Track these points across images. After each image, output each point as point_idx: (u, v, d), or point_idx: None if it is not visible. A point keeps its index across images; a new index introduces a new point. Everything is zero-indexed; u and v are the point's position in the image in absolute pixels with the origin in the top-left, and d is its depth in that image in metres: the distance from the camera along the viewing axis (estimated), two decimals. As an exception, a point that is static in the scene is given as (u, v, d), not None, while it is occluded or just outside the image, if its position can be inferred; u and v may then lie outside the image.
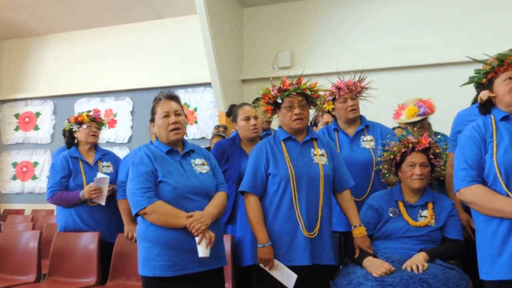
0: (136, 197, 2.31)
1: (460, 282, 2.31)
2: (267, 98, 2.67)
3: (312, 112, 2.89)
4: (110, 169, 3.69)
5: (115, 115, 7.70)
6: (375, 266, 2.37)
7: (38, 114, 8.20)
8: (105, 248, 3.39)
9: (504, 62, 2.11)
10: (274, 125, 3.85)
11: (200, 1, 6.04)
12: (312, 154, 2.63)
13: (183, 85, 7.19)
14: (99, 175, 3.44)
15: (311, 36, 6.87)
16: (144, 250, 2.35)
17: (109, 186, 3.47)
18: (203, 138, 7.10)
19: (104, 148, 3.94)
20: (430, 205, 2.64)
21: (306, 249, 2.47)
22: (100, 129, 3.78)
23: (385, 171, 2.82)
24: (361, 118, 3.18)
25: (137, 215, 2.36)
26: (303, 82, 2.64)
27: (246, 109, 3.20)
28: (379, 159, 2.89)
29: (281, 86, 2.62)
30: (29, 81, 8.33)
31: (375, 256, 2.50)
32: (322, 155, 2.64)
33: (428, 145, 2.67)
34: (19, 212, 7.34)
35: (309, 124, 2.75)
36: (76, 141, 3.72)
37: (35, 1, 7.37)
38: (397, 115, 3.55)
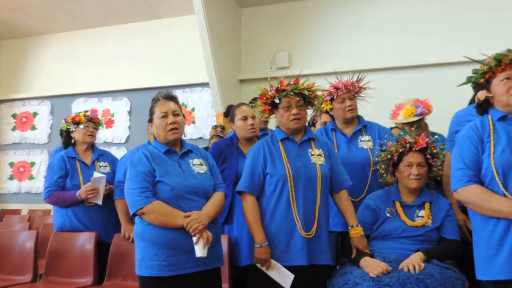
0: (134, 197, 2.31)
1: (457, 282, 2.31)
2: (264, 98, 2.67)
3: (309, 112, 2.88)
4: (107, 169, 3.69)
5: (112, 115, 7.69)
6: (372, 266, 2.36)
7: (35, 114, 8.18)
8: (101, 248, 3.38)
9: (501, 62, 2.11)
10: (272, 125, 3.86)
11: (198, 1, 6.03)
12: (309, 154, 2.62)
13: (180, 85, 7.18)
14: (96, 174, 3.43)
15: (308, 37, 6.87)
16: (141, 250, 2.35)
17: (106, 185, 3.46)
18: (200, 138, 7.09)
19: (101, 148, 3.93)
20: (427, 205, 2.64)
21: (303, 249, 2.46)
22: (97, 129, 3.77)
23: (383, 171, 2.83)
24: (359, 118, 3.18)
25: (134, 215, 2.36)
26: (300, 82, 2.64)
27: (244, 109, 3.20)
28: (376, 159, 2.89)
29: (279, 86, 2.62)
30: (27, 81, 8.31)
31: (372, 256, 2.50)
32: (320, 155, 2.64)
33: (425, 145, 2.68)
34: (16, 212, 7.32)
35: (306, 124, 2.75)
36: (73, 141, 3.71)
37: (33, 1, 7.35)
38: (395, 115, 3.55)
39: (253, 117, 3.14)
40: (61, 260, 3.42)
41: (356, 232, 2.57)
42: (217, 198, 2.48)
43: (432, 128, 3.64)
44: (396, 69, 6.29)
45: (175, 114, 2.49)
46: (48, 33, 8.23)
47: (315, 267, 2.50)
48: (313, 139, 2.68)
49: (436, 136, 3.32)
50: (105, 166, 3.70)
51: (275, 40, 7.02)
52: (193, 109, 7.22)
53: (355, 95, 3.12)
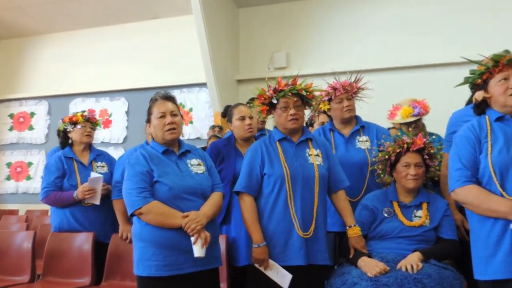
0: (132, 197, 2.32)
1: (455, 282, 2.32)
2: (262, 98, 2.67)
3: (307, 112, 2.89)
4: (105, 169, 3.68)
5: (110, 115, 7.69)
6: (370, 266, 2.37)
7: (32, 114, 8.17)
8: (99, 248, 3.38)
9: (499, 63, 2.11)
10: (269, 125, 3.86)
11: (195, 1, 6.04)
12: (307, 154, 2.63)
13: (178, 85, 7.18)
14: (93, 174, 3.42)
15: (306, 37, 6.88)
16: (139, 250, 2.35)
17: (104, 186, 3.46)
18: (198, 138, 7.09)
19: (99, 148, 3.92)
20: (424, 205, 2.65)
21: (301, 249, 2.47)
22: (94, 129, 3.76)
23: (380, 171, 2.83)
24: (357, 118, 3.19)
25: (132, 215, 2.36)
26: (298, 82, 2.65)
27: (241, 109, 3.21)
28: (374, 159, 2.89)
29: (277, 86, 2.62)
30: (24, 81, 8.30)
31: (369, 256, 2.50)
32: (317, 155, 2.64)
33: (422, 146, 2.68)
34: (13, 212, 7.29)
35: (304, 125, 2.75)
36: (70, 141, 3.70)
37: (31, 1, 7.35)
38: (392, 116, 3.56)
39: (251, 117, 3.15)
40: (59, 260, 3.41)
41: (354, 232, 2.58)
42: (215, 198, 2.49)
43: (429, 128, 3.65)
44: (393, 69, 6.31)
45: (173, 115, 2.50)
46: (45, 33, 8.22)
47: (313, 267, 2.50)
48: (310, 140, 2.69)
49: (434, 137, 3.32)
50: (103, 166, 3.69)
51: (273, 40, 7.03)
52: (190, 109, 7.22)
53: (353, 95, 3.12)
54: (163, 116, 2.48)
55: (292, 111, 2.60)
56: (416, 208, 2.65)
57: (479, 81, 2.20)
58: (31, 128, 8.14)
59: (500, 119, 2.14)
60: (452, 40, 6.03)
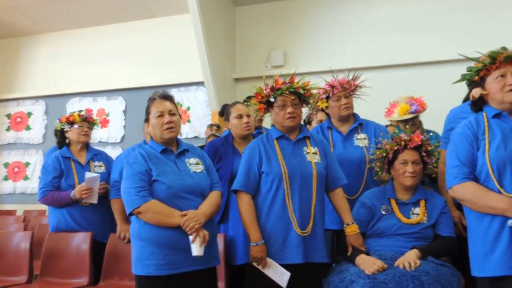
0: (130, 196, 2.32)
1: (452, 278, 2.32)
2: (259, 97, 2.67)
3: (305, 110, 2.89)
4: (102, 169, 3.67)
5: (107, 115, 7.68)
6: (368, 263, 2.37)
7: (29, 114, 8.16)
8: (97, 248, 3.37)
9: (496, 59, 2.11)
10: (266, 123, 3.86)
11: (192, 0, 6.03)
12: (305, 152, 2.63)
13: (175, 84, 7.18)
14: (89, 174, 3.41)
15: (303, 35, 6.88)
16: (137, 249, 2.35)
17: (102, 184, 3.46)
18: (196, 137, 7.09)
19: (96, 147, 3.92)
20: (422, 203, 2.65)
21: (299, 247, 2.47)
22: (91, 129, 3.76)
23: (378, 169, 2.83)
24: (355, 116, 3.18)
25: (131, 214, 2.36)
26: (295, 80, 2.65)
27: (239, 107, 3.21)
28: (371, 157, 2.89)
29: (274, 85, 2.62)
30: (21, 80, 8.29)
31: (367, 253, 2.50)
32: (315, 153, 2.64)
33: (420, 143, 2.68)
34: (11, 212, 7.29)
35: (302, 123, 2.75)
36: (67, 141, 3.69)
37: (28, 1, 7.33)
38: (389, 113, 3.56)
39: (248, 115, 3.14)
40: (57, 260, 3.40)
41: (352, 230, 2.58)
42: (213, 197, 2.49)
43: (426, 125, 3.66)
44: (391, 67, 6.31)
45: (171, 114, 2.50)
46: (42, 33, 8.21)
47: (311, 265, 2.50)
48: (308, 138, 2.69)
49: (431, 134, 3.32)
50: (100, 166, 3.69)
51: (270, 38, 7.03)
52: (188, 108, 7.21)
53: (351, 93, 3.12)
54: (161, 115, 2.48)
55: (289, 109, 2.60)
56: (413, 205, 2.65)
57: (476, 78, 2.20)
58: (28, 128, 8.12)
59: (497, 116, 2.14)
60: (448, 37, 6.03)
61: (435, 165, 2.79)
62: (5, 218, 6.26)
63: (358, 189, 2.96)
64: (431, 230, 2.60)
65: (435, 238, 2.59)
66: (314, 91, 2.84)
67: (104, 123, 7.62)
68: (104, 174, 3.61)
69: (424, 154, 2.70)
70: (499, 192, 2.01)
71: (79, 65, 7.85)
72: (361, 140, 3.08)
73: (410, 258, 2.35)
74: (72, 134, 3.64)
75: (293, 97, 2.61)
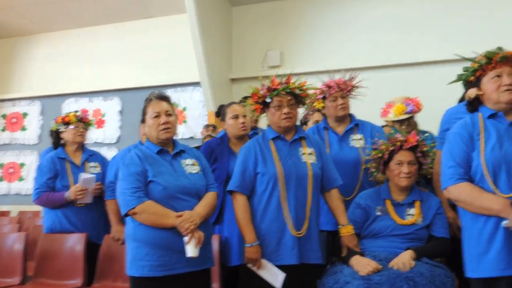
0: (126, 197, 2.31)
1: (446, 279, 2.32)
2: (256, 97, 2.67)
3: (301, 111, 2.88)
4: (98, 170, 3.66)
5: (103, 115, 7.65)
6: (362, 264, 2.37)
7: (25, 114, 8.12)
8: (91, 249, 3.36)
9: (492, 60, 2.11)
10: (262, 124, 3.85)
11: (189, 0, 6.02)
12: (300, 153, 2.63)
13: (172, 84, 7.14)
14: (85, 175, 3.40)
15: (300, 35, 6.87)
16: (132, 250, 2.35)
17: (97, 185, 3.45)
18: (192, 138, 7.06)
19: (92, 148, 3.91)
20: (417, 203, 2.64)
21: (294, 248, 2.47)
22: (87, 130, 3.75)
23: (373, 170, 2.83)
24: (351, 116, 3.18)
25: (126, 215, 2.35)
26: (292, 81, 2.64)
27: (235, 107, 3.20)
28: (367, 157, 2.89)
29: (270, 85, 2.62)
30: (16, 81, 8.25)
31: (362, 254, 2.50)
32: (311, 154, 2.64)
33: (415, 143, 2.68)
34: (5, 213, 7.25)
35: (298, 123, 2.75)
36: (62, 141, 3.67)
37: (24, 1, 7.30)
38: (385, 113, 3.56)
39: (244, 116, 3.14)
40: (51, 261, 3.39)
41: (347, 230, 2.58)
42: (209, 198, 2.48)
43: (422, 126, 3.66)
44: (387, 67, 6.31)
45: (168, 114, 2.50)
46: (38, 33, 8.18)
47: (306, 266, 2.50)
48: (304, 138, 2.68)
49: (426, 134, 3.33)
50: (95, 167, 3.68)
51: (267, 38, 7.02)
52: (184, 109, 7.19)
53: (347, 93, 3.12)
54: (157, 116, 2.47)
55: (285, 110, 2.60)
56: (409, 206, 2.65)
57: (472, 78, 2.21)
58: (23, 128, 8.08)
59: (493, 116, 2.14)
60: (445, 38, 6.03)
61: (430, 165, 2.79)
62: (-1, 219, 6.23)
63: (354, 190, 2.96)
64: (426, 231, 2.60)
65: (429, 239, 2.59)
66: (311, 92, 2.84)
67: (100, 123, 7.59)
68: (99, 175, 3.59)
69: (419, 154, 2.70)
70: (494, 193, 2.01)
71: (75, 66, 7.82)
72: (357, 140, 3.08)
73: (404, 259, 2.35)
74: (68, 134, 3.62)
75: (289, 98, 2.61)
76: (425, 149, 2.71)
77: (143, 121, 2.58)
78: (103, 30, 7.78)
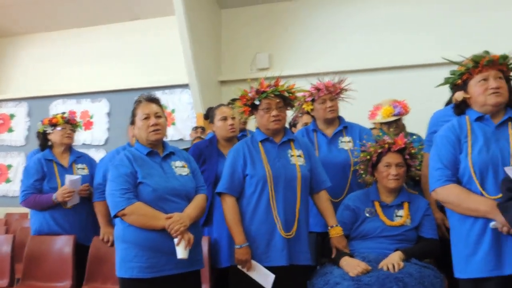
0: (115, 198, 2.31)
1: (435, 280, 2.33)
2: (244, 99, 2.67)
3: (290, 113, 2.90)
4: (85, 171, 3.63)
5: (91, 117, 7.60)
6: (352, 265, 2.38)
7: (12, 116, 8.04)
8: (80, 251, 3.33)
9: (479, 63, 2.14)
10: (251, 126, 3.86)
11: (178, 2, 6.01)
12: (289, 155, 2.64)
13: (160, 86, 7.12)
14: (71, 176, 3.38)
15: (289, 38, 6.89)
16: (121, 251, 2.35)
17: (85, 186, 3.43)
18: (181, 140, 7.04)
19: (80, 150, 3.88)
20: (406, 205, 2.66)
21: (283, 249, 2.48)
22: (74, 131, 3.72)
23: (362, 172, 2.84)
24: (340, 119, 3.19)
25: (116, 216, 2.34)
26: (280, 83, 2.65)
27: (223, 109, 3.21)
28: (356, 159, 2.91)
29: (259, 88, 2.63)
30: (3, 82, 8.17)
31: (351, 256, 2.51)
32: (299, 156, 2.65)
33: (403, 146, 2.70)
34: (-8, 216, 7.18)
35: (287, 125, 2.76)
36: (50, 143, 3.65)
37: (9, 2, 7.24)
38: (373, 115, 3.58)
39: (233, 118, 3.15)
40: (39, 264, 3.36)
41: (336, 232, 2.59)
42: (199, 200, 2.49)
43: (410, 128, 3.68)
44: (375, 70, 6.34)
45: (157, 116, 2.50)
46: (25, 34, 8.10)
47: (295, 267, 2.51)
48: (292, 140, 2.69)
49: (414, 137, 3.36)
50: (83, 169, 3.65)
51: (256, 41, 7.03)
52: (173, 111, 7.17)
53: (336, 96, 3.13)
54: (147, 117, 2.47)
55: (274, 112, 2.61)
56: (397, 207, 2.66)
57: (459, 81, 2.23)
58: (10, 130, 8.00)
59: (479, 119, 2.17)
60: (433, 41, 6.07)
61: (418, 167, 2.81)
62: (-14, 221, 6.16)
63: (343, 191, 2.97)
64: (415, 232, 2.62)
65: (418, 240, 2.61)
66: (300, 94, 2.85)
67: (88, 125, 7.54)
68: (87, 177, 3.57)
69: (407, 157, 2.72)
70: (482, 194, 2.04)
71: (63, 67, 7.76)
72: (346, 143, 3.09)
73: (393, 260, 2.36)
74: (55, 136, 3.59)
75: (278, 100, 2.62)
76: (413, 151, 2.73)
77: (132, 123, 2.57)
78: (91, 31, 7.73)
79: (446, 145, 2.16)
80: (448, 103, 2.94)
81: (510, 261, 1.97)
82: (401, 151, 2.71)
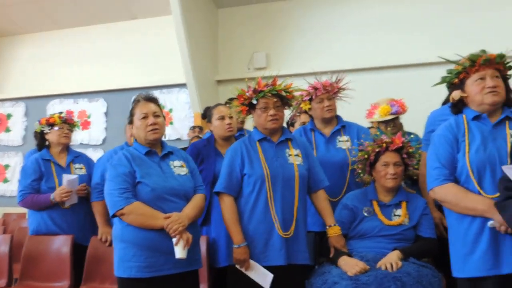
0: (114, 198, 2.31)
1: (433, 279, 2.33)
2: (242, 99, 2.67)
3: (287, 112, 2.90)
4: (83, 171, 3.63)
5: (88, 117, 7.59)
6: (350, 265, 2.38)
7: (9, 115, 8.03)
8: (78, 251, 3.33)
9: (475, 62, 2.14)
10: (249, 125, 3.86)
11: (174, 2, 6.00)
12: (287, 155, 2.64)
13: (158, 86, 7.12)
14: (68, 176, 3.37)
15: (286, 37, 6.89)
16: (120, 251, 2.34)
17: (83, 186, 3.43)
18: (178, 139, 7.04)
19: (77, 150, 3.88)
20: (403, 204, 2.66)
21: (281, 249, 2.48)
22: (72, 131, 3.72)
23: (360, 171, 2.84)
24: (338, 118, 3.20)
25: (114, 216, 2.34)
26: (278, 83, 2.65)
27: (221, 109, 3.21)
28: (353, 159, 2.91)
29: (256, 87, 2.63)
30: (0, 82, 8.16)
31: (350, 255, 2.51)
32: (297, 155, 2.65)
33: (401, 145, 2.70)
34: (-10, 216, 7.17)
35: (285, 125, 2.76)
36: (47, 143, 3.64)
37: (7, 1, 7.22)
38: (370, 114, 3.58)
39: (230, 117, 3.15)
40: (37, 264, 3.36)
41: (334, 231, 2.59)
42: (197, 200, 2.48)
43: (407, 128, 3.69)
44: (372, 69, 6.35)
45: (156, 115, 2.49)
46: (23, 33, 8.10)
47: (294, 267, 2.51)
48: (290, 140, 2.69)
49: (412, 136, 3.36)
50: (81, 168, 3.65)
51: (253, 40, 7.03)
52: (170, 110, 7.17)
53: (334, 95, 3.14)
54: (145, 117, 2.47)
55: (271, 112, 2.61)
56: (395, 207, 2.67)
57: (456, 80, 2.24)
58: (7, 130, 7.99)
59: (477, 118, 2.17)
60: (429, 40, 6.09)
61: (416, 167, 2.81)
62: (-17, 221, 6.15)
63: (341, 191, 2.97)
64: (413, 231, 2.62)
65: (416, 239, 2.62)
66: (297, 93, 2.85)
67: (86, 125, 7.54)
68: (85, 177, 3.57)
69: (405, 156, 2.72)
70: (479, 193, 2.04)
71: (60, 67, 7.76)
72: (343, 142, 3.09)
73: (392, 260, 2.36)
74: (52, 136, 3.59)
75: (275, 100, 2.62)
76: (410, 150, 2.73)
77: (130, 122, 2.57)
78: (87, 31, 7.73)
79: (443, 144, 2.17)
80: (445, 102, 2.94)
81: (508, 260, 1.97)
82: (398, 150, 2.71)
